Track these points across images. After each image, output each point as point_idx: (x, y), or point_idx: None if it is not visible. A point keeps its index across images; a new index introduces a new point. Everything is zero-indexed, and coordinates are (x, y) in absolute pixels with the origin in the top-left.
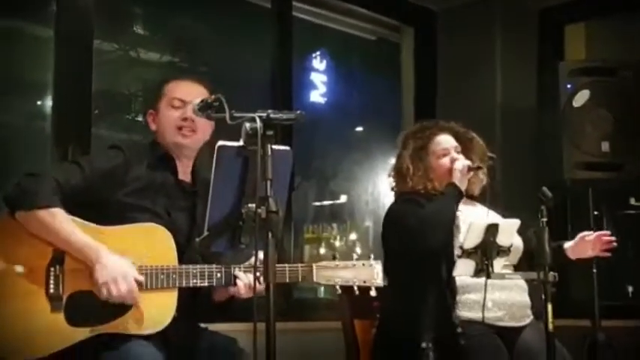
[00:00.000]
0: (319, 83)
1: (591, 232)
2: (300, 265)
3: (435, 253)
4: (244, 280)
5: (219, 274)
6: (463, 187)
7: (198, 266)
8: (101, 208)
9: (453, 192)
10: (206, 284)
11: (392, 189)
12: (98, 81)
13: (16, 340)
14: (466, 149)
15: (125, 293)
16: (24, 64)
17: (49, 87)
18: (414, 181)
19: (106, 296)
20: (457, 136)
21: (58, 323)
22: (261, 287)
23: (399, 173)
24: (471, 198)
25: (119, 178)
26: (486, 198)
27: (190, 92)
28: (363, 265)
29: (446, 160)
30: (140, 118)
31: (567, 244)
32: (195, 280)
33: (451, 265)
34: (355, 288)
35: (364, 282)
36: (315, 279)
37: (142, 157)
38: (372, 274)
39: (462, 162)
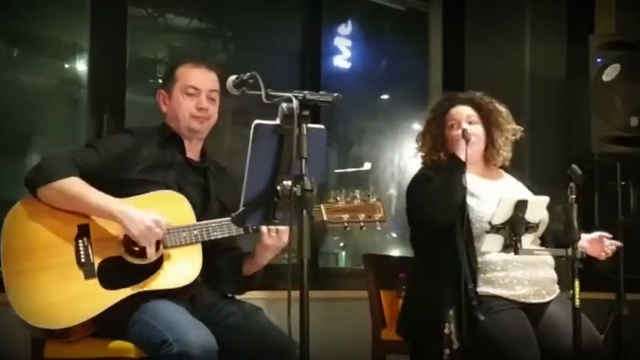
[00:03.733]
0: (344, 48)
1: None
2: None
3: (445, 227)
4: (264, 230)
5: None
6: (462, 155)
7: (216, 220)
8: (115, 186)
9: (452, 163)
10: (226, 235)
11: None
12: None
13: (56, 307)
14: (487, 120)
15: (156, 227)
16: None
17: (78, 51)
18: (422, 150)
19: (137, 234)
20: (478, 107)
21: (94, 288)
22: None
23: (416, 141)
24: (501, 168)
25: (131, 160)
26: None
27: (205, 80)
28: (365, 201)
29: (455, 132)
30: None
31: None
32: (215, 233)
33: (470, 237)
34: (361, 224)
35: (369, 217)
36: (325, 217)
37: (150, 139)
38: (374, 209)
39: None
